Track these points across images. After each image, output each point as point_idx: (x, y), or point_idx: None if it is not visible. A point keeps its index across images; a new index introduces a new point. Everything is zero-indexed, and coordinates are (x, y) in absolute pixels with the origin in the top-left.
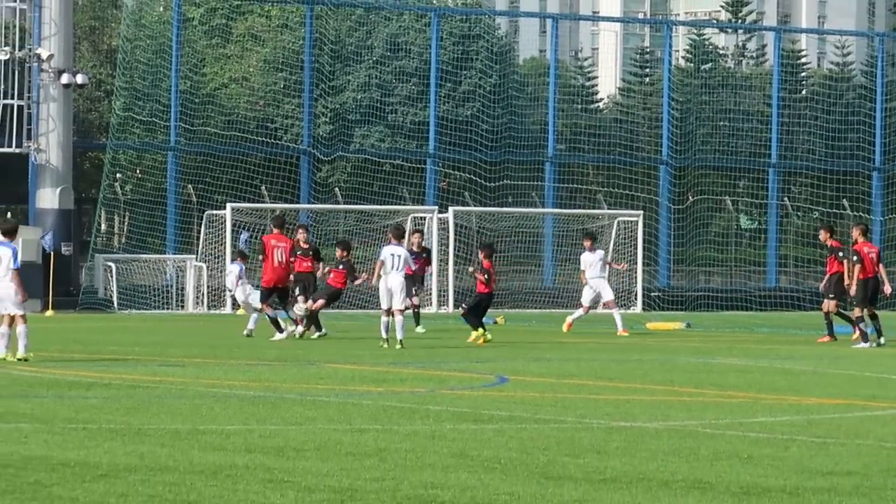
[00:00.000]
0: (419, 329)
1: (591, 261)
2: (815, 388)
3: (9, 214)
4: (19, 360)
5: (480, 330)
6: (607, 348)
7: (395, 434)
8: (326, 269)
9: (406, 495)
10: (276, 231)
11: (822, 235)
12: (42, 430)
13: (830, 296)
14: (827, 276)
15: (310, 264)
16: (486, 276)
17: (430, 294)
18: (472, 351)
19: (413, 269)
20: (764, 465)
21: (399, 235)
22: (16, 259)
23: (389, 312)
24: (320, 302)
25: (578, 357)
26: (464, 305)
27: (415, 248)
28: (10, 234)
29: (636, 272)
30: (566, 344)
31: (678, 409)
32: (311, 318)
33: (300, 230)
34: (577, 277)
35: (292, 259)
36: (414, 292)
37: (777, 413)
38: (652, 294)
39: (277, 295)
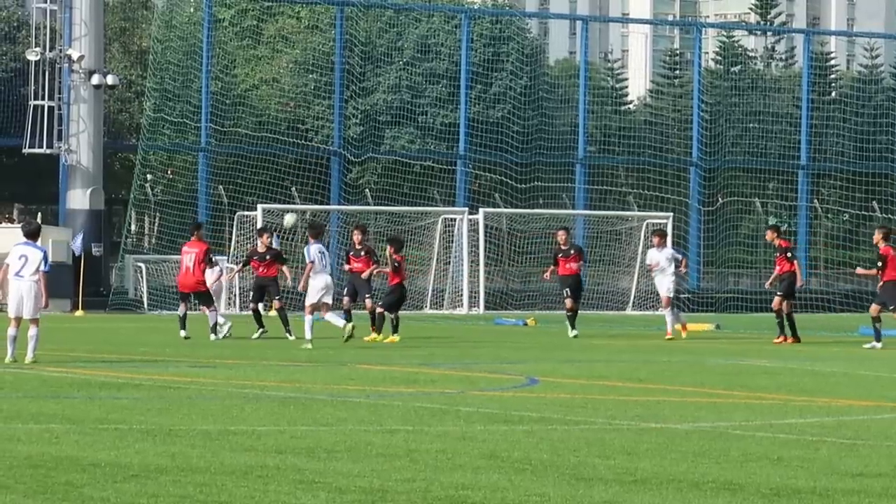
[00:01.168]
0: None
1: (657, 258)
2: (845, 389)
3: (39, 215)
4: (28, 363)
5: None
6: (637, 349)
7: (425, 435)
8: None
9: (437, 496)
10: (192, 238)
11: (769, 235)
12: (73, 430)
13: (779, 293)
14: (776, 275)
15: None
16: (395, 265)
17: (462, 296)
18: (502, 352)
19: (353, 268)
20: (794, 467)
21: (317, 234)
22: (46, 262)
23: (315, 309)
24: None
25: (608, 358)
26: (381, 304)
27: (356, 246)
28: (34, 235)
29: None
30: (596, 345)
31: (708, 411)
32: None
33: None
34: (607, 278)
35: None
36: (367, 295)
37: (807, 414)
38: (681, 296)
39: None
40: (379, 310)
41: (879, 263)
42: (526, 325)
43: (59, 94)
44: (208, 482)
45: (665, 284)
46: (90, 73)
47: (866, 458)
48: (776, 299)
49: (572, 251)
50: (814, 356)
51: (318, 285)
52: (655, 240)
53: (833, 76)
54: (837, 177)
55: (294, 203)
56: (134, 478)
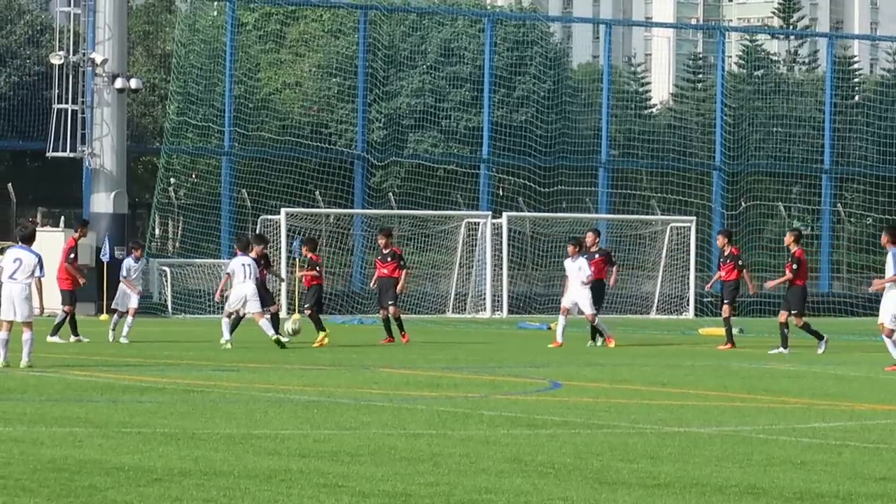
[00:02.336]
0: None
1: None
2: (869, 393)
3: (62, 219)
4: (22, 368)
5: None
6: (660, 354)
7: (449, 439)
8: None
9: (460, 500)
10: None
11: (720, 241)
12: (96, 434)
13: (726, 301)
14: (720, 281)
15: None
16: (315, 268)
17: (485, 300)
18: (525, 355)
19: (381, 273)
20: (817, 471)
21: (243, 247)
22: (41, 267)
23: (230, 315)
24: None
25: (632, 362)
26: (306, 307)
27: (383, 251)
28: (29, 240)
29: (689, 278)
30: (619, 349)
31: (731, 415)
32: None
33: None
34: (630, 282)
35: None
36: (391, 302)
37: (830, 419)
38: (704, 300)
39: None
40: (307, 312)
41: (795, 266)
42: (549, 328)
43: (83, 97)
44: (232, 486)
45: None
46: (114, 77)
47: (889, 463)
48: (725, 307)
49: (597, 255)
50: (837, 360)
51: (237, 294)
52: (571, 249)
53: (856, 80)
54: (860, 181)
55: (318, 207)
56: (157, 481)
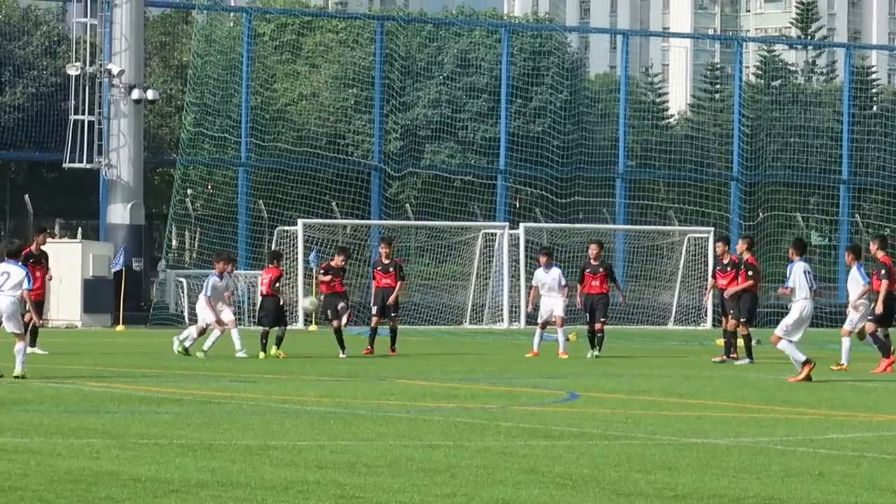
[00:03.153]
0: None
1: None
2: (887, 404)
3: (80, 230)
4: (16, 377)
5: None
6: (677, 364)
7: (466, 450)
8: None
9: None
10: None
11: (719, 248)
12: (113, 445)
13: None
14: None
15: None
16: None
17: (502, 311)
18: (543, 367)
19: (382, 284)
20: (835, 482)
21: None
22: (30, 280)
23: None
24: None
25: (649, 373)
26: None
27: (384, 261)
28: (16, 255)
29: (706, 288)
30: (637, 360)
31: (749, 426)
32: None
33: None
34: (648, 293)
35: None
36: (394, 314)
37: (848, 430)
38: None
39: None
40: (263, 328)
41: (750, 273)
42: (568, 340)
43: (100, 108)
44: (249, 497)
45: (559, 304)
46: (130, 88)
47: None
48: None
49: (601, 269)
50: (854, 371)
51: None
52: (542, 259)
53: (874, 90)
54: (879, 191)
55: (335, 218)
56: (174, 493)
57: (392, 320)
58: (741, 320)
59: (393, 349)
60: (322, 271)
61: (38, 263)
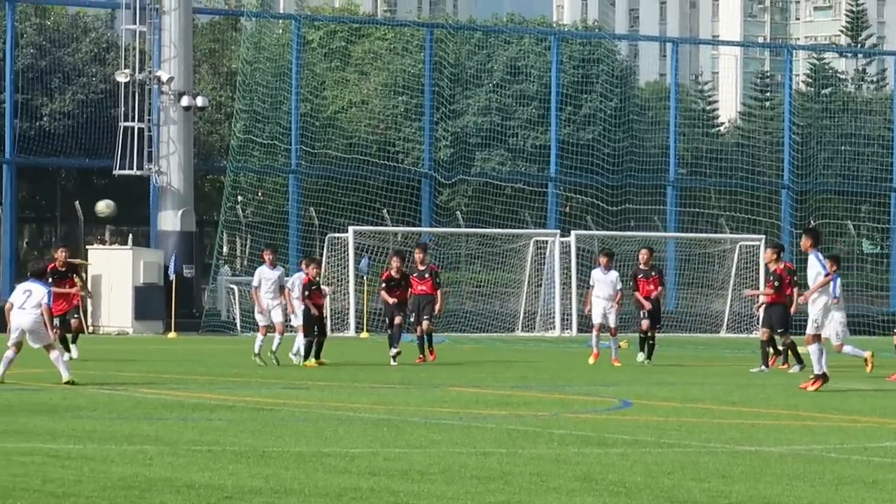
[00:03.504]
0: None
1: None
2: None
3: (130, 236)
4: (67, 384)
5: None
6: (731, 372)
7: (519, 457)
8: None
9: None
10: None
11: (767, 256)
12: (166, 452)
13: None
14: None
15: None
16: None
17: (554, 318)
18: (595, 374)
19: (418, 291)
20: (889, 490)
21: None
22: (49, 297)
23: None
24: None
25: (702, 381)
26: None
27: (419, 267)
28: (40, 275)
29: (758, 296)
30: (689, 368)
31: (802, 434)
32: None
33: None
34: (700, 301)
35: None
36: (426, 317)
37: None
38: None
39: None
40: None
41: (777, 283)
42: (619, 347)
43: (149, 115)
44: None
45: (613, 313)
46: (179, 95)
47: None
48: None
49: (653, 273)
50: None
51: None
52: (603, 260)
53: None
54: None
55: (385, 225)
56: (228, 499)
57: (426, 324)
58: (778, 330)
59: (431, 351)
60: (384, 283)
61: (63, 278)
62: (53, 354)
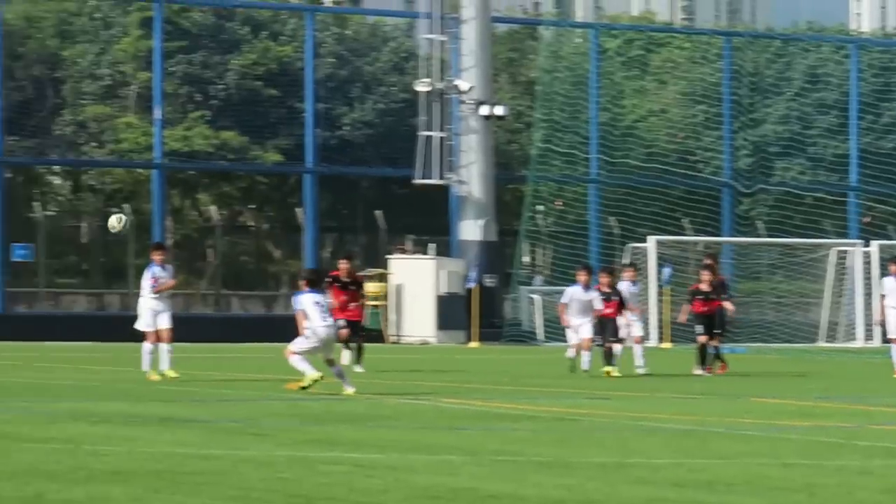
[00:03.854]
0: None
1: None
2: None
3: (432, 246)
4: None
5: None
6: None
7: (823, 469)
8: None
9: None
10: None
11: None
12: (470, 462)
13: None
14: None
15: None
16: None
17: (856, 328)
18: None
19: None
20: None
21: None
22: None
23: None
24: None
25: None
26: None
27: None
28: (317, 283)
29: None
30: None
31: None
32: None
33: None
34: None
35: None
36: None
37: None
38: None
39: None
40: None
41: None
42: None
43: (449, 124)
44: None
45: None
46: (479, 104)
47: None
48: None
49: None
50: None
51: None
52: (894, 268)
53: None
54: None
55: (686, 234)
56: None
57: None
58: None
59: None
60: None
61: (344, 289)
62: (335, 369)
